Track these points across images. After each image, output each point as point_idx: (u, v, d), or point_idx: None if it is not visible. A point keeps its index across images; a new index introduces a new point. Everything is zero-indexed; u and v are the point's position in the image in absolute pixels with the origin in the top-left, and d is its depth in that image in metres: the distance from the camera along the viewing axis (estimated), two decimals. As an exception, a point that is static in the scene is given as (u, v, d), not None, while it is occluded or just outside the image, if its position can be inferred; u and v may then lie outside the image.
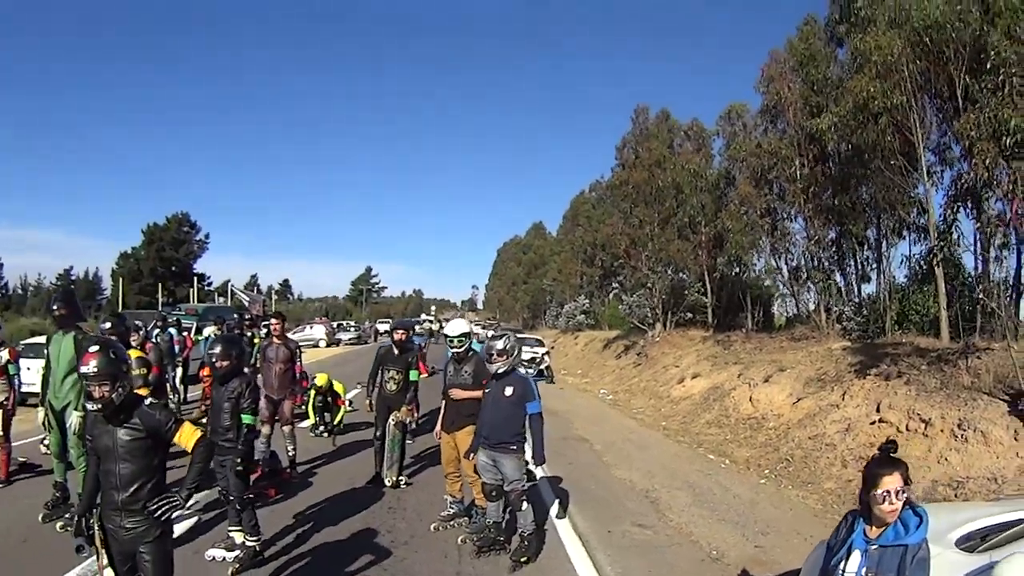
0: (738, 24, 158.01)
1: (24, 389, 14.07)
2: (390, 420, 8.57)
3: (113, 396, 3.69)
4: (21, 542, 6.31)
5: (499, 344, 6.49)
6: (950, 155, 15.53)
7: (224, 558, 5.90)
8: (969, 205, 12.34)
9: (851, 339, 16.52)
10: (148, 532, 3.76)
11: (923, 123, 14.90)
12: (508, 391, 6.38)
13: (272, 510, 7.36)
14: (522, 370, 6.65)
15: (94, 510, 3.88)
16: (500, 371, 6.46)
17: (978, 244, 13.72)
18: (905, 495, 3.11)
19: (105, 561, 3.86)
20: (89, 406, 3.75)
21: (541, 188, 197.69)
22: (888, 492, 3.09)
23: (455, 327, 7.43)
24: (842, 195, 18.77)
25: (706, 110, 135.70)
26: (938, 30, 13.48)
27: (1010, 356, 9.47)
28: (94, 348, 3.78)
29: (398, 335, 8.97)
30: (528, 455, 6.60)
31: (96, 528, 3.82)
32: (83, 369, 3.71)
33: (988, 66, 12.61)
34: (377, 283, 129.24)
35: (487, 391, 6.64)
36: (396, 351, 8.83)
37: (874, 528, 3.21)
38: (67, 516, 6.62)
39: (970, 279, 15.10)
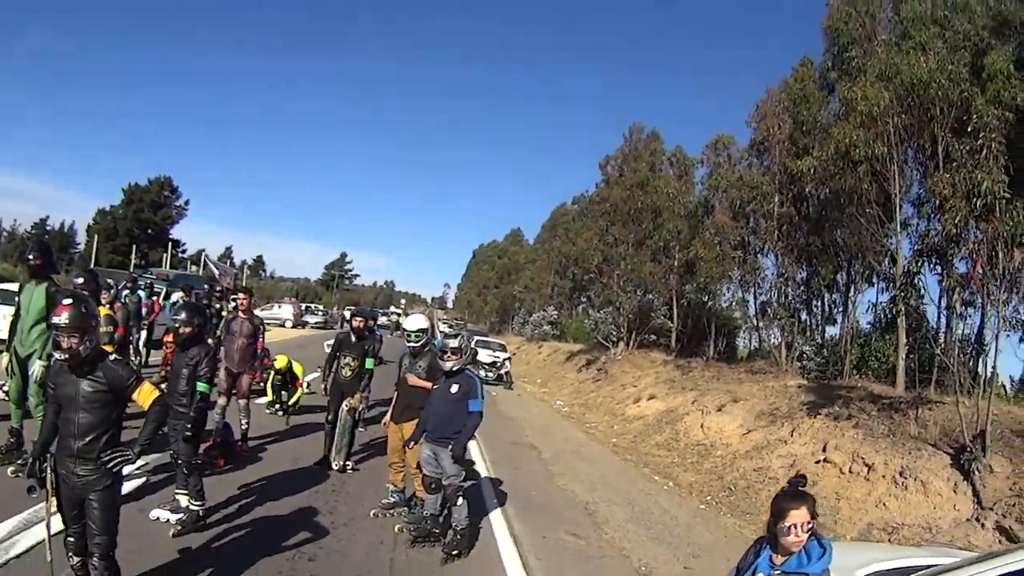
0: (736, 58, 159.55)
1: None
2: (343, 406, 8.57)
3: (80, 348, 3.78)
4: None
5: (453, 343, 6.59)
6: (927, 209, 15.82)
7: (168, 519, 5.90)
8: (934, 261, 12.57)
9: (808, 378, 16.76)
10: (99, 481, 3.85)
11: (903, 175, 15.21)
12: (454, 388, 6.46)
13: (219, 479, 7.32)
14: (482, 372, 6.70)
15: (48, 455, 3.96)
16: (451, 368, 6.53)
17: (942, 299, 13.98)
18: (810, 527, 3.26)
19: (54, 506, 3.96)
20: (56, 355, 3.84)
21: (523, 195, 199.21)
22: (794, 525, 3.24)
23: (413, 322, 7.53)
24: (815, 236, 19.03)
25: (692, 137, 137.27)
26: (925, 88, 13.81)
27: (958, 411, 9.64)
28: (67, 301, 3.87)
29: (356, 323, 9.02)
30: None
31: (49, 472, 3.90)
32: (54, 320, 3.80)
33: (969, 128, 12.91)
34: (350, 270, 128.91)
35: (436, 386, 6.72)
36: (354, 338, 8.87)
37: (779, 555, 3.35)
38: (19, 462, 6.57)
39: (932, 332, 15.35)
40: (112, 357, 4.01)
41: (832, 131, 15.92)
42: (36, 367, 6.63)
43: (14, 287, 13.87)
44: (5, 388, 8.04)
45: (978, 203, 11.47)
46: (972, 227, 11.69)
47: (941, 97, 13.79)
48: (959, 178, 12.15)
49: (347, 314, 12.01)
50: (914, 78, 13.88)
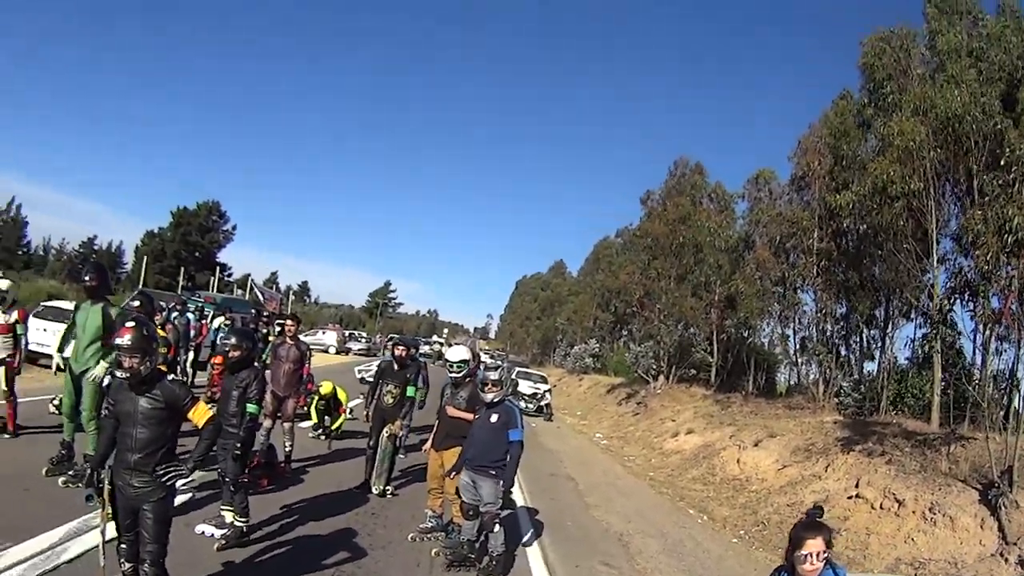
0: (780, 94, 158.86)
1: (35, 349, 14.69)
2: (384, 432, 8.90)
3: (141, 368, 4.16)
4: (23, 490, 6.67)
5: (493, 375, 6.87)
6: (962, 244, 15.77)
7: (213, 534, 6.25)
8: (967, 297, 12.61)
9: (845, 414, 16.72)
10: (153, 493, 4.19)
11: (940, 210, 15.11)
12: (494, 418, 6.73)
13: (263, 499, 7.65)
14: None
15: (106, 467, 4.29)
16: (492, 400, 6.81)
17: (977, 335, 13.96)
18: (826, 556, 3.54)
19: (109, 513, 4.29)
20: (118, 374, 4.23)
21: (567, 227, 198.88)
22: (810, 554, 3.52)
23: (455, 353, 7.84)
24: (854, 272, 19.03)
25: (734, 171, 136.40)
26: (959, 121, 13.76)
27: (987, 447, 9.74)
28: (130, 324, 4.27)
29: (399, 351, 9.29)
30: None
31: (106, 483, 4.24)
32: (118, 341, 4.19)
33: (1003, 162, 12.91)
34: (394, 298, 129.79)
35: (477, 416, 7.01)
36: (396, 366, 9.14)
37: None
38: (70, 473, 7.00)
39: (967, 368, 15.30)
40: (170, 377, 4.39)
41: (869, 166, 15.89)
42: (99, 368, 7.08)
43: (64, 304, 14.58)
44: (56, 403, 8.59)
45: (1009, 239, 11.47)
46: (1004, 263, 11.68)
47: (975, 131, 13.71)
48: (991, 213, 12.15)
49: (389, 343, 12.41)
50: (949, 111, 13.82)
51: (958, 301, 12.76)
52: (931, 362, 14.97)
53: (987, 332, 12.41)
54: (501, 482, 6.55)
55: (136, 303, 8.17)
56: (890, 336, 19.01)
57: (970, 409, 13.36)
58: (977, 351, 14.72)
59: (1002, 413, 11.23)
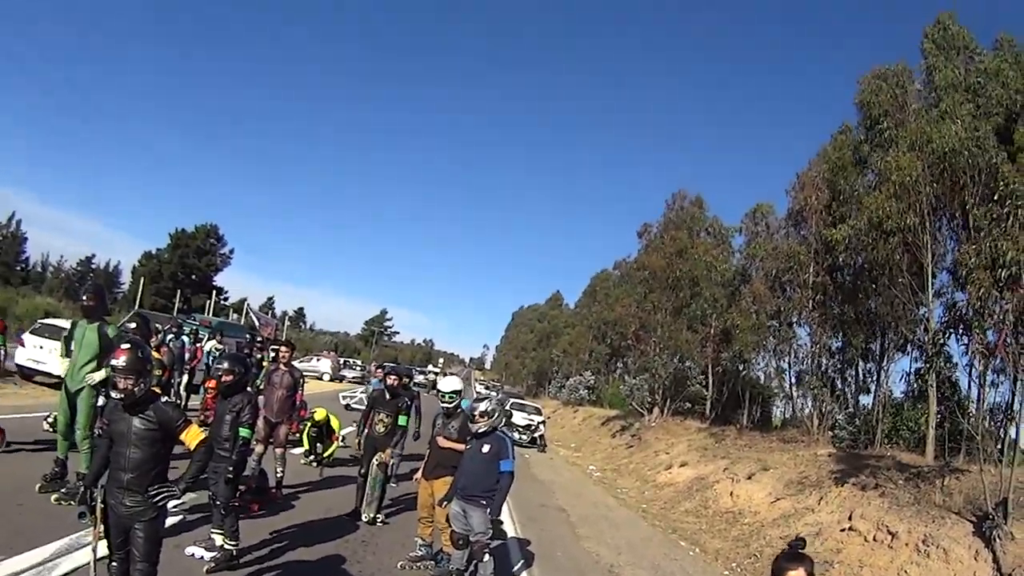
0: (777, 129, 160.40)
1: (30, 366, 14.72)
2: (374, 460, 8.88)
3: (135, 389, 4.18)
4: (16, 505, 6.70)
5: (482, 406, 6.93)
6: (958, 278, 15.79)
7: (203, 556, 6.26)
8: (961, 331, 12.62)
9: (839, 447, 16.67)
10: (145, 512, 4.21)
11: (936, 244, 15.18)
12: (486, 448, 6.75)
13: (253, 523, 7.65)
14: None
15: (99, 486, 4.32)
16: (481, 431, 6.85)
17: (972, 368, 13.96)
18: None
19: (101, 531, 4.30)
20: (113, 395, 4.26)
21: (564, 258, 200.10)
22: None
23: (447, 384, 7.91)
24: (850, 306, 19.05)
25: (733, 203, 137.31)
26: (956, 155, 13.86)
27: (982, 479, 9.70)
28: (126, 346, 4.30)
29: (391, 380, 9.33)
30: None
31: (99, 501, 4.25)
32: (113, 362, 4.22)
33: (996, 196, 13.00)
34: (390, 327, 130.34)
35: (468, 446, 7.02)
36: (387, 395, 9.18)
37: None
38: (62, 491, 7.03)
39: (962, 400, 15.29)
40: (163, 399, 4.42)
41: (865, 201, 16.00)
42: (98, 375, 7.12)
43: (61, 323, 14.64)
44: (51, 420, 8.60)
45: (1003, 273, 11.53)
46: (997, 297, 11.70)
47: (971, 165, 13.82)
48: (984, 247, 12.20)
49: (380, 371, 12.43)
50: (945, 146, 13.93)
51: (953, 335, 12.74)
52: (926, 395, 14.96)
53: (982, 366, 12.37)
54: (487, 507, 6.51)
55: (132, 324, 8.21)
56: (885, 369, 19.02)
57: (965, 442, 13.35)
58: (972, 384, 14.70)
59: (997, 446, 11.16)
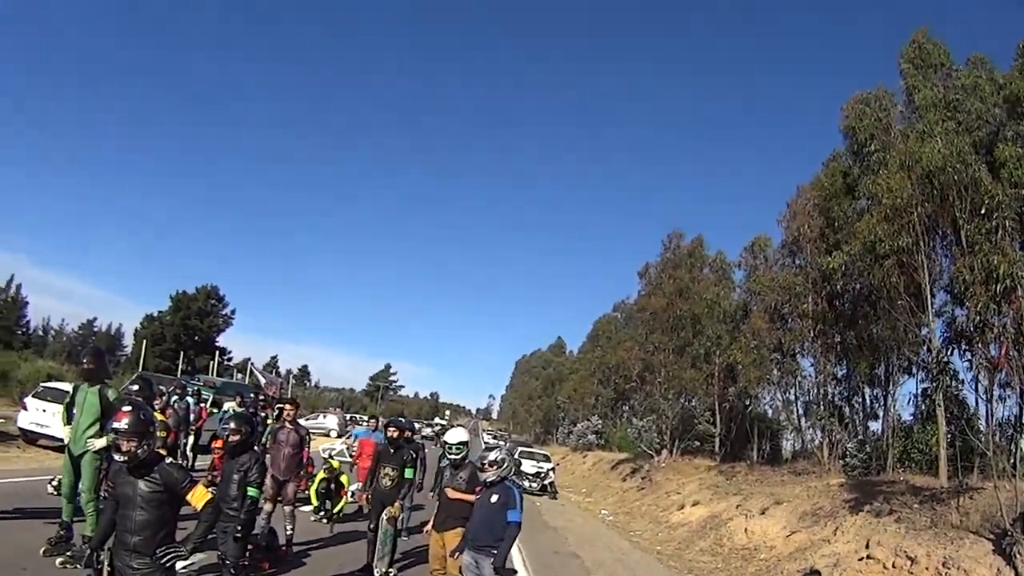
0: (775, 157, 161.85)
1: (34, 429, 14.74)
2: (383, 515, 8.80)
3: (139, 452, 4.16)
4: (21, 570, 6.65)
5: (491, 456, 6.89)
6: (956, 295, 15.77)
7: (213, 616, 6.16)
8: (963, 347, 12.56)
9: (851, 476, 16.51)
10: (152, 574, 4.15)
11: (933, 263, 15.25)
12: (494, 498, 6.70)
13: (263, 583, 7.54)
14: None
15: (105, 548, 4.33)
16: (489, 480, 6.81)
17: (977, 384, 13.90)
18: None
19: None
20: (116, 457, 4.22)
21: (566, 304, 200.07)
22: None
23: (454, 435, 7.84)
24: (851, 332, 19.03)
25: (730, 240, 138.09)
26: (941, 172, 13.96)
27: (996, 496, 9.60)
28: (127, 408, 4.30)
29: (391, 432, 9.30)
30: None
31: (105, 564, 4.29)
32: (115, 425, 4.20)
33: (983, 209, 13.09)
34: (395, 381, 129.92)
35: (478, 497, 6.97)
36: (391, 449, 9.13)
37: None
38: (68, 554, 6.99)
39: (972, 418, 15.20)
40: (168, 460, 4.40)
41: (857, 226, 16.07)
42: (100, 442, 6.97)
43: (63, 386, 14.67)
44: (55, 483, 8.57)
45: (998, 287, 11.51)
46: (995, 311, 11.68)
47: (957, 181, 13.86)
48: (977, 263, 12.21)
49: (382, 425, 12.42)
50: (930, 164, 14.03)
51: (955, 352, 12.70)
52: (935, 416, 14.87)
53: (988, 381, 12.30)
54: (492, 557, 6.46)
55: (135, 387, 8.20)
56: (892, 393, 18.96)
57: (977, 459, 13.23)
58: (980, 400, 14.63)
59: (1009, 460, 11.06)
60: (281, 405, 10.64)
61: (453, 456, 7.62)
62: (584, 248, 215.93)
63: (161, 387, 10.48)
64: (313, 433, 10.95)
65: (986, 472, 11.99)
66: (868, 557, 10.93)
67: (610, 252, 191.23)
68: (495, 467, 6.79)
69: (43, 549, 7.15)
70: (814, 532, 13.07)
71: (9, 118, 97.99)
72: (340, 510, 12.04)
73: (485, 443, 10.84)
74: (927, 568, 9.71)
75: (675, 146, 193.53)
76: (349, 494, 12.55)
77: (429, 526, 7.68)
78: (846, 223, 18.62)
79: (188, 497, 4.28)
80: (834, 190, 19.94)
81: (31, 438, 15.24)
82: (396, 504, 8.82)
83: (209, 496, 4.36)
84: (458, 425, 23.60)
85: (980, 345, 11.41)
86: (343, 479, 12.36)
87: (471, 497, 7.15)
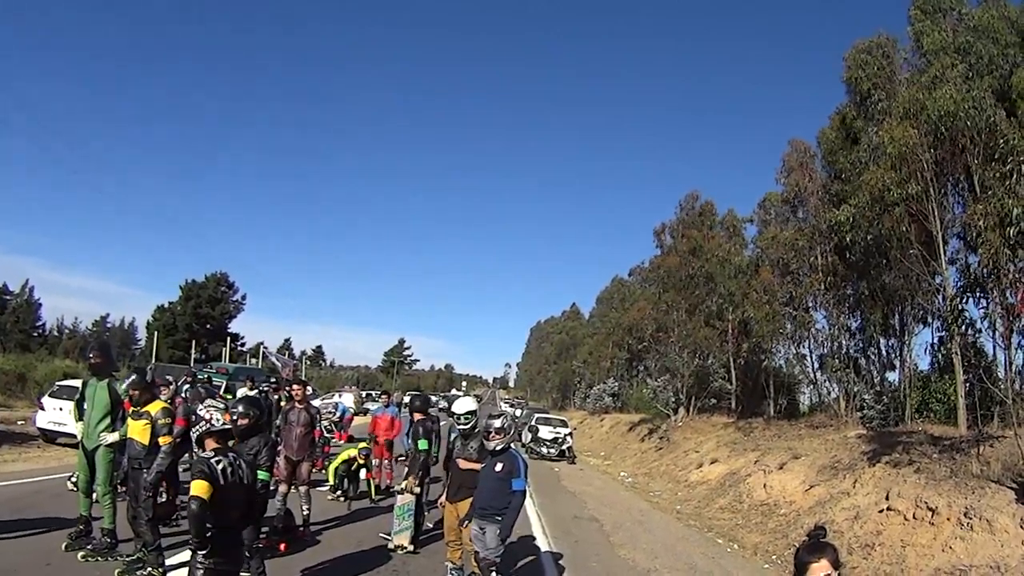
0: (782, 117, 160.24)
1: (50, 428, 14.88)
2: (404, 488, 8.79)
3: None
4: (45, 565, 6.69)
5: (496, 423, 6.81)
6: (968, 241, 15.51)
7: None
8: (978, 295, 12.31)
9: (869, 427, 16.39)
10: None
11: (943, 210, 14.93)
12: (499, 467, 6.64)
13: (280, 563, 7.53)
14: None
15: None
16: (496, 448, 6.74)
17: (995, 332, 13.66)
18: None
19: None
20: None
21: (580, 269, 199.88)
22: None
23: (461, 405, 7.75)
24: (863, 283, 18.80)
25: (745, 196, 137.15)
26: (952, 119, 13.66)
27: (1018, 444, 9.46)
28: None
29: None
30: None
31: None
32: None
33: (997, 154, 12.79)
34: (410, 355, 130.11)
35: (484, 465, 6.91)
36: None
37: None
38: (89, 547, 7.04)
39: (992, 365, 15.00)
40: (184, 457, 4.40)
41: (864, 178, 15.76)
42: (112, 436, 7.14)
43: (78, 383, 14.80)
44: (74, 479, 8.61)
45: (1012, 231, 11.25)
46: (1009, 257, 11.41)
47: (970, 126, 13.59)
48: (989, 208, 11.94)
49: (406, 399, 12.32)
50: (940, 111, 13.71)
51: (970, 299, 12.45)
52: (952, 365, 14.68)
53: (1005, 328, 12.07)
54: (498, 527, 6.41)
55: (130, 379, 8.17)
56: (908, 343, 18.69)
57: (997, 407, 13.06)
58: (998, 348, 14.38)
59: (1027, 407, 10.88)
60: (290, 386, 10.58)
61: (462, 426, 7.58)
62: (597, 212, 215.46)
63: (168, 376, 10.42)
64: (326, 416, 10.87)
65: (1006, 420, 11.81)
66: (888, 509, 10.86)
67: (626, 220, 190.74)
68: (501, 434, 6.76)
69: (64, 544, 7.19)
70: (833, 485, 13.00)
71: (9, 118, 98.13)
72: (357, 490, 12.02)
73: (502, 411, 10.93)
74: (948, 519, 9.60)
75: (693, 109, 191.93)
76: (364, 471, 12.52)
77: (442, 497, 7.66)
78: (853, 175, 18.29)
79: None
80: (839, 143, 19.60)
81: (50, 437, 15.39)
82: (411, 478, 8.81)
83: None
84: (474, 395, 23.63)
85: (995, 292, 11.15)
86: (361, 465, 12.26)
87: (480, 466, 7.11)
